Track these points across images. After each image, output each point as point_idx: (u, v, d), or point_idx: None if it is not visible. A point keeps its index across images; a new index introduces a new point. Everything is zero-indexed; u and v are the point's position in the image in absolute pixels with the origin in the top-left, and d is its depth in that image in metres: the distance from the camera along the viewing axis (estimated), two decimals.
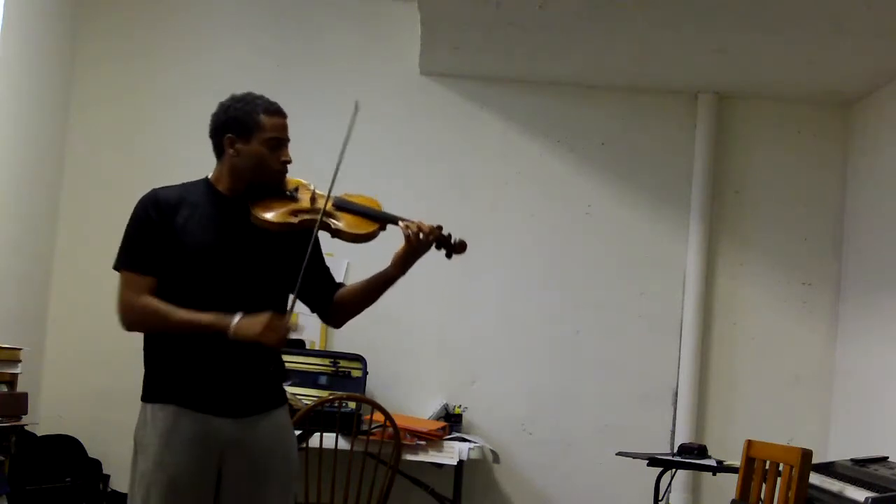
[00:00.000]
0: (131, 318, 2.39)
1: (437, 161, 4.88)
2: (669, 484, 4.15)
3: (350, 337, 4.62)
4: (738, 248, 4.92)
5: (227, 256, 2.41)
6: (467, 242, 2.56)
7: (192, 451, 2.35)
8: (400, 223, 2.48)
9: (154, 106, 4.80)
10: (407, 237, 2.46)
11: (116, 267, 2.43)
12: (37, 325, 4.58)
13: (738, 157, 4.95)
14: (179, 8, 4.88)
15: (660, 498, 4.08)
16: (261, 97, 2.47)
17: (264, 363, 2.42)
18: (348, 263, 4.45)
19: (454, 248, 2.52)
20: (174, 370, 2.39)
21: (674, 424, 4.79)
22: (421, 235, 2.45)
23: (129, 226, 2.44)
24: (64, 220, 4.73)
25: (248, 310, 2.37)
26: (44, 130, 4.55)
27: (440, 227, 2.50)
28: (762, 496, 3.53)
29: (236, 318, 2.31)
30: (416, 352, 4.80)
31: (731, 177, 4.94)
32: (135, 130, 4.79)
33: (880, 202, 4.56)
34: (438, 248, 2.52)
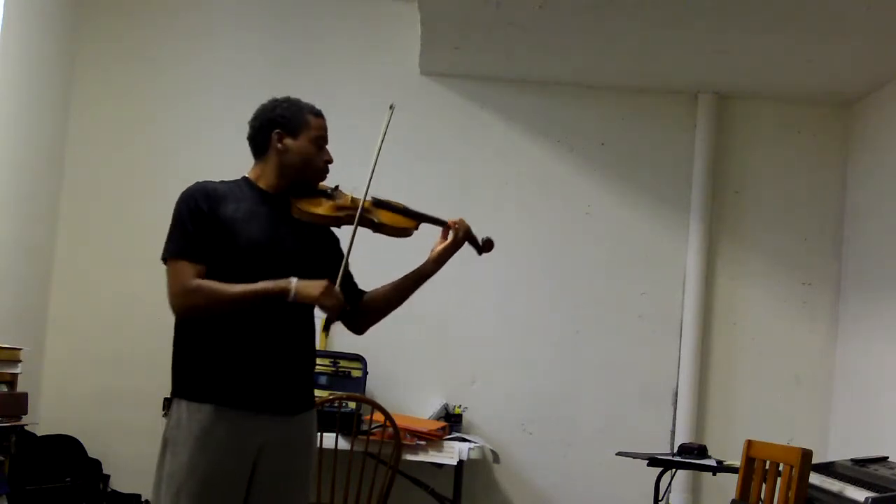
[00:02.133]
0: (187, 303, 2.36)
1: (437, 161, 4.88)
2: (669, 484, 4.15)
3: (350, 337, 4.60)
4: (738, 248, 4.92)
5: (274, 251, 2.44)
6: (493, 240, 2.67)
7: (227, 453, 2.34)
8: (447, 221, 2.61)
9: (154, 106, 4.80)
10: (449, 235, 2.60)
11: (165, 257, 2.41)
12: (37, 325, 4.58)
13: (738, 157, 4.96)
14: (179, 8, 4.88)
15: (660, 498, 4.09)
16: (301, 100, 2.59)
17: (301, 358, 2.49)
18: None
19: (483, 246, 2.67)
20: (213, 366, 2.37)
21: (674, 424, 4.79)
22: (461, 233, 2.59)
23: (177, 215, 2.42)
24: (64, 220, 4.72)
25: (290, 302, 2.42)
26: (44, 130, 4.55)
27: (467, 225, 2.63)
28: (762, 496, 3.53)
29: (294, 280, 2.34)
30: (415, 352, 4.80)
31: (731, 177, 4.94)
32: (135, 130, 4.79)
33: (880, 202, 4.56)
34: (470, 244, 2.65)
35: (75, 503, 4.26)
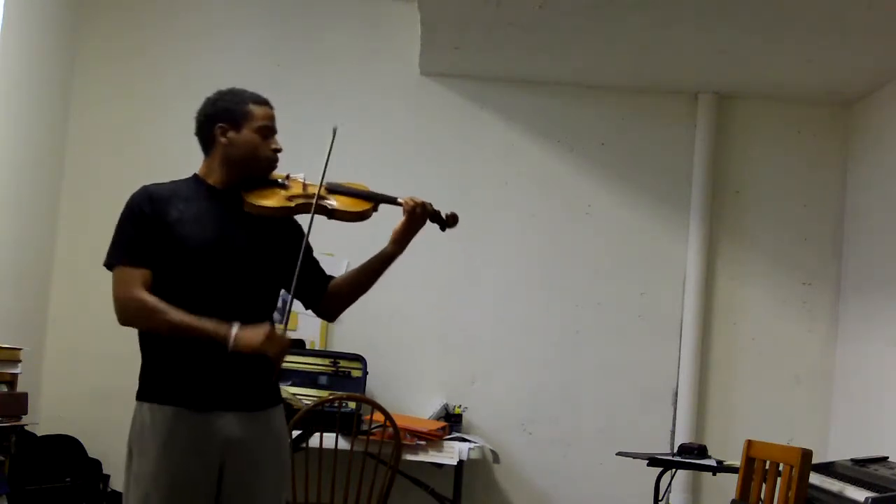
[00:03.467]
0: (127, 313, 2.35)
1: (437, 161, 4.88)
2: (669, 484, 4.15)
3: (350, 337, 4.63)
4: (738, 248, 4.92)
5: (225, 248, 2.40)
6: (458, 215, 2.57)
7: (193, 454, 2.33)
8: (399, 199, 2.52)
9: (154, 106, 4.80)
10: (406, 211, 2.50)
11: (109, 265, 2.39)
12: (37, 325, 4.58)
13: (738, 157, 4.95)
14: (179, 8, 4.88)
15: (660, 498, 4.08)
16: (245, 90, 2.51)
17: (263, 361, 2.41)
18: (348, 263, 4.45)
19: (446, 221, 2.56)
20: (171, 368, 2.36)
21: (674, 424, 4.79)
22: (418, 209, 2.49)
23: (119, 222, 2.42)
24: (64, 220, 4.73)
25: (245, 302, 2.40)
26: (44, 130, 4.55)
27: (431, 204, 2.54)
28: (762, 496, 3.53)
29: (234, 329, 2.29)
30: (415, 352, 4.79)
31: (731, 177, 4.94)
32: (135, 130, 4.80)
33: (880, 202, 4.56)
34: (433, 221, 2.56)
35: (75, 503, 4.26)
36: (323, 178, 2.46)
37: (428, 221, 2.54)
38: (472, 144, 4.92)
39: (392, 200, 2.53)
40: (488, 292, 4.85)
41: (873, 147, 4.70)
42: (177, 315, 2.30)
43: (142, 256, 2.35)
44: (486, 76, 4.89)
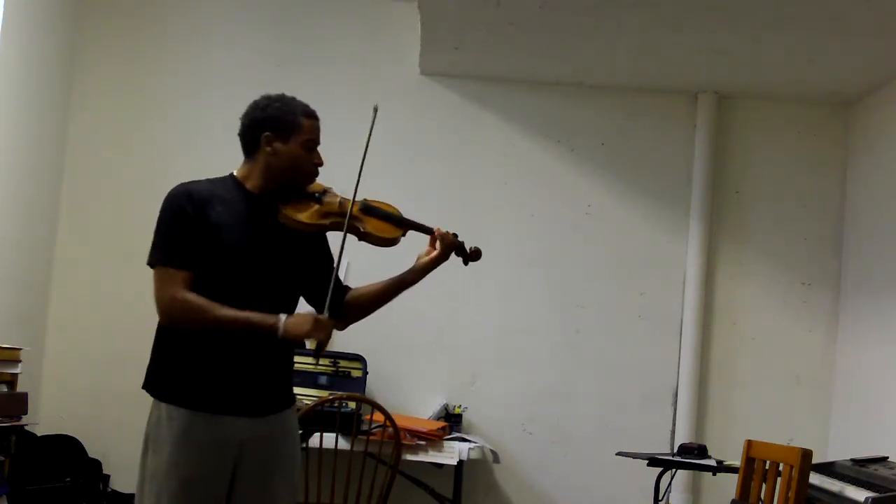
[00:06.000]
0: (173, 314, 2.34)
1: (437, 161, 4.88)
2: (669, 484, 4.15)
3: (350, 337, 4.60)
4: (738, 248, 4.92)
5: (257, 254, 2.41)
6: (481, 250, 2.62)
7: (207, 452, 2.34)
8: (435, 231, 2.55)
9: (154, 106, 4.80)
10: (436, 244, 2.54)
11: (152, 263, 2.38)
12: (37, 325, 4.58)
13: (738, 157, 4.96)
14: (179, 8, 4.88)
15: (660, 498, 4.09)
16: (296, 99, 2.50)
17: (277, 361, 2.44)
18: (348, 263, 4.45)
19: (470, 255, 2.60)
20: (188, 372, 2.37)
21: (674, 424, 4.79)
22: (447, 244, 2.53)
23: (162, 220, 2.39)
24: (64, 220, 4.73)
25: (266, 307, 2.39)
26: (44, 130, 4.55)
27: (455, 235, 2.57)
28: (762, 496, 3.53)
29: (283, 318, 2.31)
30: (416, 352, 4.80)
31: (731, 177, 4.94)
32: (135, 130, 4.80)
33: (880, 202, 4.56)
34: (457, 254, 2.59)
35: (75, 503, 4.26)
36: (362, 167, 2.45)
37: (454, 254, 2.57)
38: (472, 144, 4.92)
39: (425, 229, 2.56)
40: (488, 292, 4.85)
41: (873, 147, 4.70)
42: (222, 311, 2.31)
43: (184, 257, 2.35)
44: (486, 76, 4.89)
